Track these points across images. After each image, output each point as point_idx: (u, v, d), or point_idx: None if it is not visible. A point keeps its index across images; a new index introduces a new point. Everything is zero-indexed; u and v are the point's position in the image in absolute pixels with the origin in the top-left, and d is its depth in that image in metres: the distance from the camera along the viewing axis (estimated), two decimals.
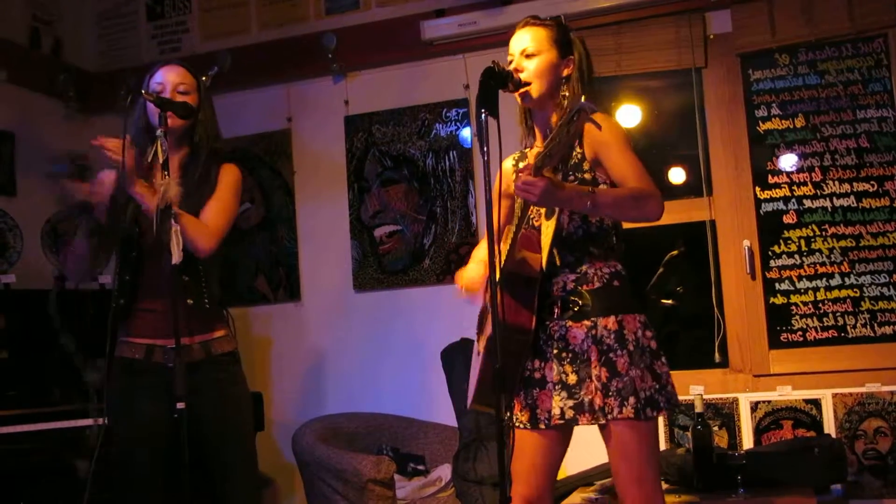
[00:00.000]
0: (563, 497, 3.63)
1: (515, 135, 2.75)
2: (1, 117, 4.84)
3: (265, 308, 5.02)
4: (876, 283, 4.12)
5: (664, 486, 3.63)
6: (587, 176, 2.53)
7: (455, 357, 4.23)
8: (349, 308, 4.91)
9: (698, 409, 3.69)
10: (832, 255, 4.19)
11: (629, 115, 4.68)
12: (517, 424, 2.59)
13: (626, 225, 2.68)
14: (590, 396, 2.46)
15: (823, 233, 4.21)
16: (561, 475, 3.79)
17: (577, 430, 2.57)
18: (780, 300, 4.24)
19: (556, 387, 2.52)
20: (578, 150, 2.54)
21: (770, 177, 4.30)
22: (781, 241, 4.26)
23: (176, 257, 2.66)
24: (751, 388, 4.21)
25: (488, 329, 2.57)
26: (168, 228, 2.67)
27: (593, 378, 2.46)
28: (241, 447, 3.01)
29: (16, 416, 3.87)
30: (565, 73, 2.61)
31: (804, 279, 4.22)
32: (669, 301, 4.95)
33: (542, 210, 2.51)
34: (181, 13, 5.37)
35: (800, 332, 4.20)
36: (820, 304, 4.19)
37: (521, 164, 2.74)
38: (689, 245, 4.64)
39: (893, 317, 4.09)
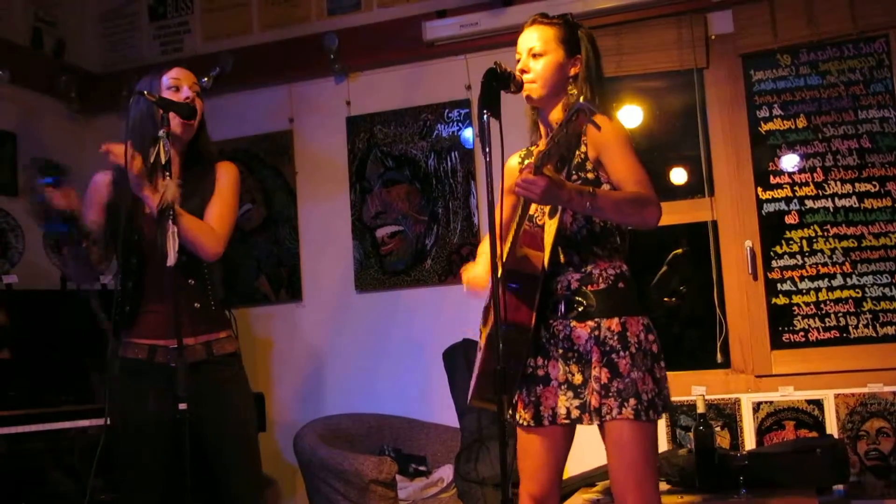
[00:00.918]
0: (566, 498, 3.63)
1: (517, 135, 2.74)
2: (3, 118, 4.85)
3: (267, 308, 5.02)
4: (878, 283, 4.12)
5: (666, 486, 3.64)
6: (590, 175, 2.53)
7: (457, 357, 4.23)
8: (351, 308, 4.92)
9: (700, 409, 3.69)
10: (834, 256, 4.19)
11: (631, 115, 4.68)
12: (521, 423, 2.59)
13: None
14: (590, 397, 2.46)
15: (825, 233, 4.21)
16: (564, 476, 3.80)
17: (578, 430, 2.57)
18: (781, 300, 4.24)
19: (563, 386, 2.52)
20: (582, 149, 2.53)
21: (772, 177, 4.30)
22: (783, 241, 4.26)
23: (171, 259, 2.65)
24: (753, 388, 4.21)
25: (489, 324, 2.57)
26: (165, 230, 2.67)
27: (592, 379, 2.46)
28: (243, 448, 3.01)
29: (18, 417, 3.87)
30: (572, 72, 2.59)
31: (806, 279, 4.22)
32: (672, 299, 4.95)
33: (546, 208, 2.51)
34: (183, 14, 5.37)
35: (802, 333, 4.20)
36: (822, 305, 4.19)
37: (526, 162, 2.75)
38: (691, 246, 4.64)
39: (895, 317, 4.09)
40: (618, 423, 2.44)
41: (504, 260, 2.49)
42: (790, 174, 4.28)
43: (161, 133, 2.75)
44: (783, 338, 4.23)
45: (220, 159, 3.09)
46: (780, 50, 4.30)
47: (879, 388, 3.98)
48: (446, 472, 4.20)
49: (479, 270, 2.71)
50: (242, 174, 3.15)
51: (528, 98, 2.60)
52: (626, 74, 4.48)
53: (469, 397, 2.73)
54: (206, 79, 3.13)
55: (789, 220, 4.26)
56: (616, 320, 2.49)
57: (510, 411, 2.62)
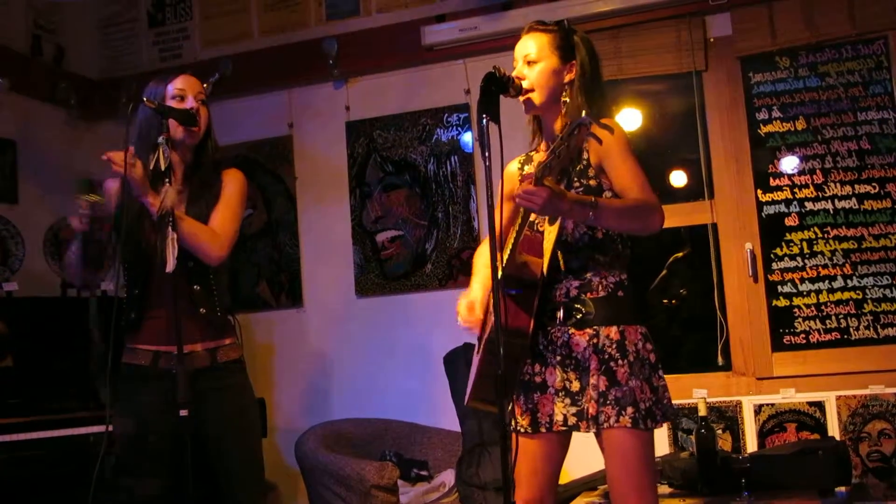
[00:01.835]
0: (567, 501, 3.63)
1: (517, 140, 2.75)
2: (2, 125, 4.85)
3: (267, 314, 5.02)
4: (878, 284, 4.12)
5: (668, 489, 3.64)
6: (592, 182, 2.53)
7: (458, 362, 4.23)
8: (351, 314, 4.92)
9: (702, 412, 3.69)
10: (834, 258, 4.18)
11: (630, 118, 4.68)
12: (519, 429, 2.59)
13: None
14: (587, 405, 2.46)
15: (825, 235, 4.21)
16: (565, 479, 3.80)
17: (581, 434, 2.57)
18: (782, 303, 4.24)
19: (560, 393, 2.52)
20: (584, 156, 2.53)
21: (771, 179, 4.30)
22: (783, 243, 4.26)
23: (171, 265, 2.66)
24: (754, 390, 4.20)
25: (487, 330, 2.57)
26: (165, 236, 2.68)
27: (590, 387, 2.46)
28: (246, 454, 3.01)
29: (19, 424, 3.87)
30: (567, 78, 2.59)
31: (806, 281, 4.21)
32: (673, 302, 4.95)
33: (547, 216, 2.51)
34: (182, 20, 5.38)
35: (803, 335, 4.20)
36: (822, 307, 4.19)
37: (526, 168, 2.75)
38: (692, 248, 4.64)
39: None
40: (615, 431, 2.43)
41: (504, 266, 2.49)
42: (790, 176, 4.28)
43: (160, 139, 2.76)
44: (784, 340, 4.23)
45: (228, 166, 3.09)
46: (778, 52, 4.31)
47: (881, 389, 3.98)
48: (448, 477, 4.20)
49: (474, 296, 2.68)
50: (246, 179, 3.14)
51: (527, 106, 2.60)
52: (626, 78, 4.49)
53: (466, 399, 2.74)
54: (205, 85, 3.15)
55: (789, 222, 4.26)
56: (615, 328, 2.49)
57: (511, 418, 2.62)
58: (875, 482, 3.90)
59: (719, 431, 4.13)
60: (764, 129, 4.33)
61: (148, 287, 2.91)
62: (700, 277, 4.54)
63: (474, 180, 4.72)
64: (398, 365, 4.77)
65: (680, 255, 4.81)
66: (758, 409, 4.16)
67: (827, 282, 4.19)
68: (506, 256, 2.51)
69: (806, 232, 4.23)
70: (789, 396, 4.12)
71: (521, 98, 2.58)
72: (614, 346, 2.47)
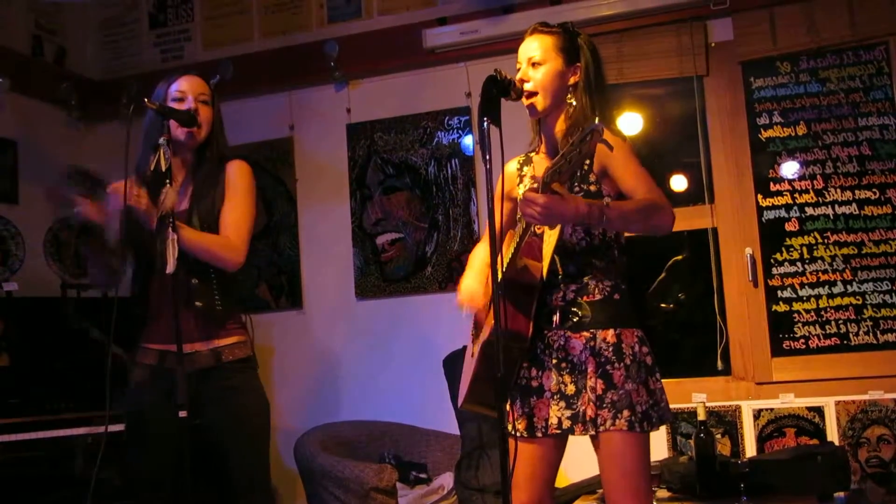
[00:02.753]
0: None
1: (518, 143, 2.75)
2: (3, 125, 4.85)
3: (267, 316, 5.01)
4: (878, 290, 4.12)
5: (667, 493, 3.64)
6: (592, 188, 2.52)
7: (457, 365, 4.19)
8: (351, 316, 4.91)
9: (701, 416, 3.68)
10: (834, 263, 4.18)
11: (631, 122, 4.68)
12: (516, 433, 2.59)
13: (627, 233, 2.67)
14: (584, 407, 2.46)
15: (825, 240, 4.21)
16: (564, 483, 3.80)
17: (580, 438, 2.56)
18: (782, 308, 4.24)
19: (555, 396, 2.52)
20: (587, 161, 2.52)
21: (772, 184, 4.30)
22: (783, 248, 4.26)
23: (171, 266, 2.66)
24: (753, 395, 4.20)
25: (484, 334, 2.57)
26: (165, 237, 2.68)
27: (588, 389, 2.46)
28: (249, 458, 2.98)
29: (18, 424, 3.87)
30: (572, 80, 2.59)
31: (806, 287, 4.21)
32: (670, 306, 4.95)
33: None
34: (184, 21, 5.38)
35: (802, 340, 4.20)
36: (822, 312, 4.19)
37: (525, 168, 2.75)
38: (692, 253, 4.64)
39: (895, 324, 4.09)
40: (611, 434, 2.43)
41: (505, 269, 2.49)
42: (790, 181, 4.28)
43: (161, 141, 2.76)
44: (784, 345, 4.23)
45: (232, 158, 3.07)
46: (779, 57, 4.31)
47: (880, 395, 3.98)
48: (447, 480, 4.20)
49: (475, 286, 2.70)
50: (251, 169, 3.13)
51: (531, 110, 2.60)
52: (627, 82, 4.49)
53: (460, 401, 2.74)
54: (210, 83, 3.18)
55: (789, 227, 4.26)
56: (611, 331, 2.49)
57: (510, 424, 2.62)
58: (874, 487, 3.90)
59: (718, 436, 4.13)
60: (765, 134, 4.33)
61: (151, 285, 2.92)
62: (700, 282, 4.54)
63: (475, 183, 4.72)
64: (398, 367, 4.77)
65: (679, 258, 4.81)
66: (757, 414, 4.16)
67: (827, 287, 4.19)
68: (507, 260, 2.51)
69: (806, 237, 4.23)
70: (788, 401, 4.12)
71: (525, 101, 2.57)
72: (611, 349, 2.47)
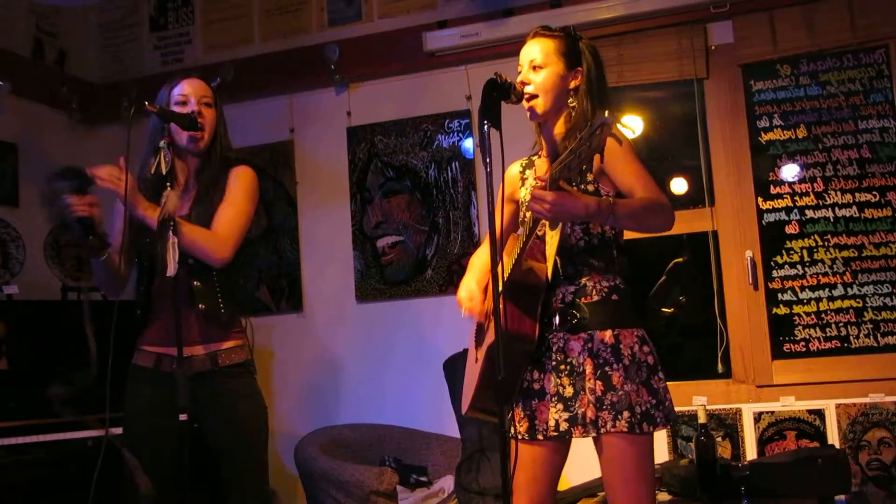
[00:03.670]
0: None
1: (518, 145, 2.75)
2: (4, 128, 4.86)
3: (267, 319, 5.01)
4: (878, 293, 4.12)
5: (668, 497, 3.64)
6: (590, 188, 2.52)
7: (457, 368, 4.21)
8: (351, 319, 4.91)
9: (701, 419, 3.68)
10: (834, 266, 4.18)
11: (631, 125, 4.68)
12: (517, 436, 2.58)
13: (626, 235, 2.68)
14: (583, 409, 2.46)
15: (826, 243, 4.21)
16: (565, 486, 3.80)
17: (581, 441, 2.56)
18: (782, 310, 4.24)
19: (553, 399, 2.52)
20: (596, 155, 2.52)
21: (772, 187, 4.30)
22: (784, 251, 4.26)
23: (171, 269, 2.65)
24: (754, 398, 4.20)
25: (489, 338, 2.57)
26: (166, 240, 2.67)
27: (587, 391, 2.45)
28: (245, 462, 2.97)
29: (18, 428, 3.87)
30: (573, 84, 2.59)
31: (807, 289, 4.21)
32: (671, 310, 4.95)
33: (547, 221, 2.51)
34: (184, 24, 5.39)
35: (803, 343, 4.20)
36: (823, 315, 4.18)
37: (527, 172, 2.75)
38: (692, 256, 4.64)
39: None
40: (612, 436, 2.43)
41: (510, 271, 2.49)
42: (790, 184, 4.28)
43: (161, 144, 2.76)
44: (784, 348, 4.22)
45: (237, 164, 3.06)
46: (780, 60, 4.31)
47: (881, 397, 3.98)
48: (447, 483, 4.19)
49: (474, 286, 2.70)
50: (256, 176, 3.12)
51: (532, 113, 2.60)
52: (627, 85, 4.49)
53: (465, 408, 2.73)
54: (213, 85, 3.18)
55: (790, 230, 4.26)
56: (609, 332, 2.49)
57: (511, 426, 2.61)
58: (875, 491, 3.90)
59: (719, 439, 4.12)
60: (765, 137, 4.33)
61: (153, 287, 2.91)
62: (700, 285, 4.53)
63: (475, 186, 4.72)
64: (398, 370, 4.77)
65: (679, 260, 4.81)
66: (757, 417, 4.16)
67: (827, 290, 4.19)
68: (511, 262, 2.51)
69: (806, 240, 4.23)
70: (789, 404, 4.11)
71: (526, 104, 2.57)
72: (609, 350, 2.47)
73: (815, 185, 4.24)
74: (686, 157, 4.61)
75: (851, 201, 4.19)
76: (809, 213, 4.24)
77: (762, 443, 4.14)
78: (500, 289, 2.33)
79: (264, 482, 3.09)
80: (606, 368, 2.45)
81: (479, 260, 2.83)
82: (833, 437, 4.03)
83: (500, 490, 2.32)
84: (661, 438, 4.21)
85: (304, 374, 4.96)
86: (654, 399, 2.47)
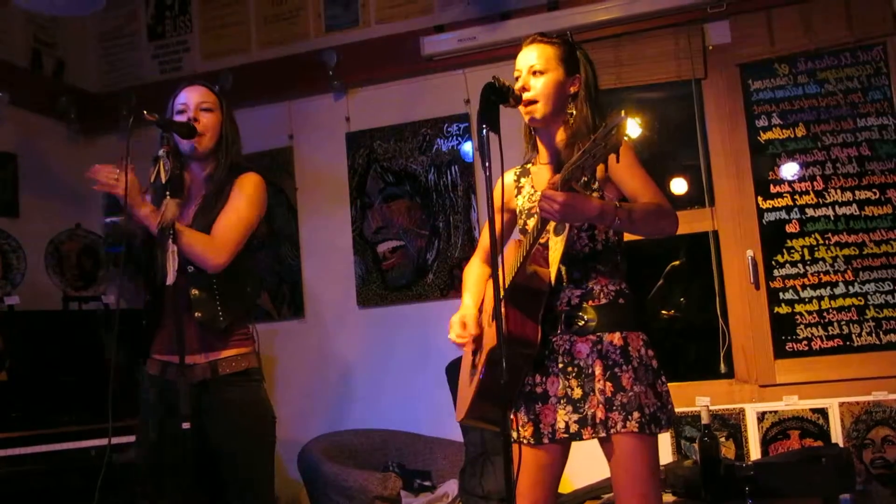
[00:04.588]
0: None
1: (517, 149, 2.75)
2: (3, 139, 4.86)
3: (269, 325, 5.01)
4: (880, 290, 4.12)
5: (672, 497, 3.63)
6: (595, 194, 2.53)
7: (460, 372, 4.22)
8: (353, 324, 4.91)
9: (704, 420, 3.68)
10: (836, 264, 4.18)
11: (630, 127, 4.68)
12: (521, 441, 2.58)
13: (626, 237, 2.68)
14: (593, 410, 2.46)
15: (826, 241, 4.21)
16: (568, 489, 3.79)
17: (584, 443, 2.56)
18: (784, 310, 4.24)
19: (562, 401, 2.52)
20: (612, 155, 2.52)
21: (772, 186, 4.30)
22: (784, 250, 4.26)
23: (171, 277, 2.65)
24: (757, 398, 4.20)
25: (489, 342, 2.56)
26: (165, 249, 2.67)
27: (597, 392, 2.46)
28: (247, 470, 2.95)
29: (20, 438, 3.87)
30: (571, 90, 2.60)
31: (808, 288, 4.21)
32: (671, 312, 4.95)
33: (551, 227, 2.51)
34: (182, 33, 5.39)
35: (805, 342, 4.20)
36: (825, 313, 4.18)
37: (522, 180, 2.75)
38: (692, 256, 4.63)
39: None
40: (622, 436, 2.44)
41: (513, 275, 2.49)
42: (790, 183, 4.28)
43: (160, 152, 2.76)
44: (786, 347, 4.22)
45: (244, 171, 3.05)
46: (777, 59, 4.31)
47: (884, 395, 3.97)
48: (451, 487, 4.19)
49: (472, 323, 2.69)
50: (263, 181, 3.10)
51: (532, 118, 2.60)
52: (625, 86, 4.49)
53: (461, 416, 2.73)
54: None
55: (790, 228, 4.26)
56: (618, 335, 2.50)
57: (514, 431, 2.61)
58: (879, 489, 3.89)
59: (722, 439, 4.12)
60: (764, 136, 4.33)
61: (158, 296, 2.91)
62: (701, 285, 4.53)
63: (475, 190, 4.72)
64: (400, 375, 4.77)
65: (676, 263, 4.81)
66: (761, 417, 4.15)
67: (829, 288, 4.19)
68: (514, 268, 2.51)
69: (807, 238, 4.23)
70: (792, 403, 4.11)
71: (524, 108, 2.58)
72: (618, 352, 2.48)
73: (814, 183, 4.24)
74: (685, 157, 4.61)
75: (851, 199, 4.19)
76: (810, 212, 4.24)
77: (766, 442, 4.13)
78: (505, 295, 2.33)
79: (266, 491, 3.07)
80: (616, 370, 2.46)
81: (473, 274, 2.84)
82: (837, 436, 4.02)
83: (504, 494, 2.31)
84: (664, 439, 4.21)
85: (307, 381, 4.96)
86: (658, 402, 2.49)
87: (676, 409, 2.61)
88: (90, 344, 4.27)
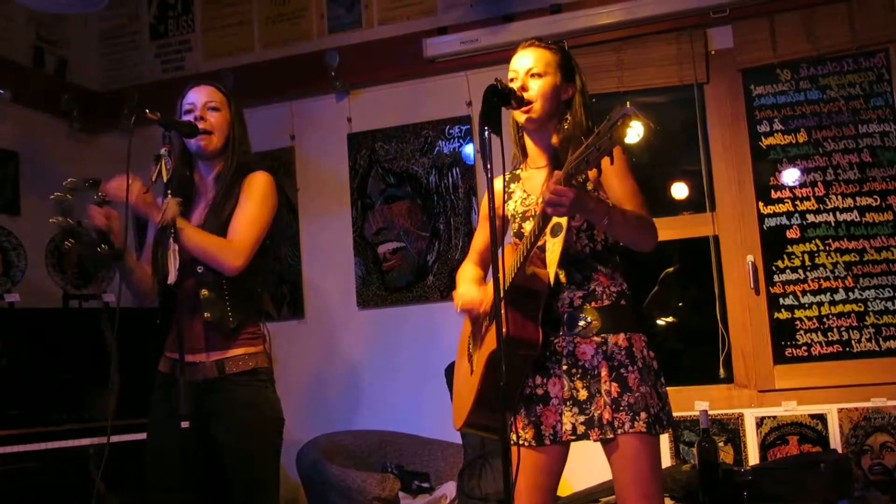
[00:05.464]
0: None
1: None
2: (5, 137, 4.86)
3: (269, 325, 4.97)
4: (880, 297, 4.12)
5: (670, 502, 3.63)
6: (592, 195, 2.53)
7: None
8: (353, 325, 4.91)
9: (703, 424, 3.68)
10: (836, 270, 4.18)
11: (630, 131, 4.67)
12: (522, 443, 2.58)
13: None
14: (599, 411, 2.46)
15: (827, 247, 4.21)
16: (567, 492, 3.79)
17: (584, 445, 2.56)
18: (784, 315, 4.24)
19: (567, 403, 2.52)
20: (617, 147, 2.52)
21: (773, 192, 4.30)
22: (785, 255, 4.26)
23: (172, 277, 2.65)
24: (756, 403, 4.20)
25: (488, 345, 2.56)
26: (167, 248, 2.67)
27: (603, 393, 2.46)
28: (250, 472, 2.93)
29: (19, 436, 3.87)
30: (567, 96, 2.63)
31: (808, 294, 4.21)
32: (669, 318, 4.95)
33: (548, 228, 2.51)
34: (184, 32, 5.39)
35: (804, 347, 4.20)
36: (824, 319, 4.18)
37: (512, 185, 2.76)
38: (693, 261, 4.63)
39: None
40: (629, 436, 2.44)
41: (513, 276, 2.50)
42: (791, 188, 4.28)
43: (162, 152, 2.76)
44: (786, 352, 4.22)
45: (253, 170, 3.04)
46: (780, 65, 4.31)
47: (883, 402, 3.97)
48: (449, 489, 4.19)
49: (472, 290, 2.70)
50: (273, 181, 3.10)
51: (528, 119, 2.60)
52: (627, 90, 4.49)
53: (459, 423, 2.73)
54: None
55: (791, 234, 4.26)
56: (622, 335, 2.51)
57: (515, 434, 2.61)
58: (877, 495, 3.89)
59: (721, 444, 4.12)
60: (765, 142, 4.33)
61: (169, 294, 2.91)
62: (701, 290, 4.53)
63: (476, 192, 4.73)
64: (399, 376, 4.77)
65: (670, 270, 4.82)
66: (760, 422, 4.15)
67: (829, 294, 4.19)
68: (513, 269, 2.51)
69: (807, 244, 4.23)
70: (791, 409, 4.11)
71: (523, 109, 2.58)
72: (623, 352, 2.49)
73: (815, 189, 4.24)
74: (686, 162, 4.61)
75: (852, 205, 4.19)
76: (810, 218, 4.24)
77: (764, 447, 4.13)
78: (505, 295, 2.33)
79: (271, 492, 3.05)
80: (622, 370, 2.47)
81: (467, 272, 2.84)
82: (835, 442, 4.02)
83: (503, 496, 2.31)
84: (663, 444, 4.20)
85: (306, 381, 4.96)
86: (660, 403, 2.50)
87: (675, 414, 2.62)
88: (90, 342, 4.27)
